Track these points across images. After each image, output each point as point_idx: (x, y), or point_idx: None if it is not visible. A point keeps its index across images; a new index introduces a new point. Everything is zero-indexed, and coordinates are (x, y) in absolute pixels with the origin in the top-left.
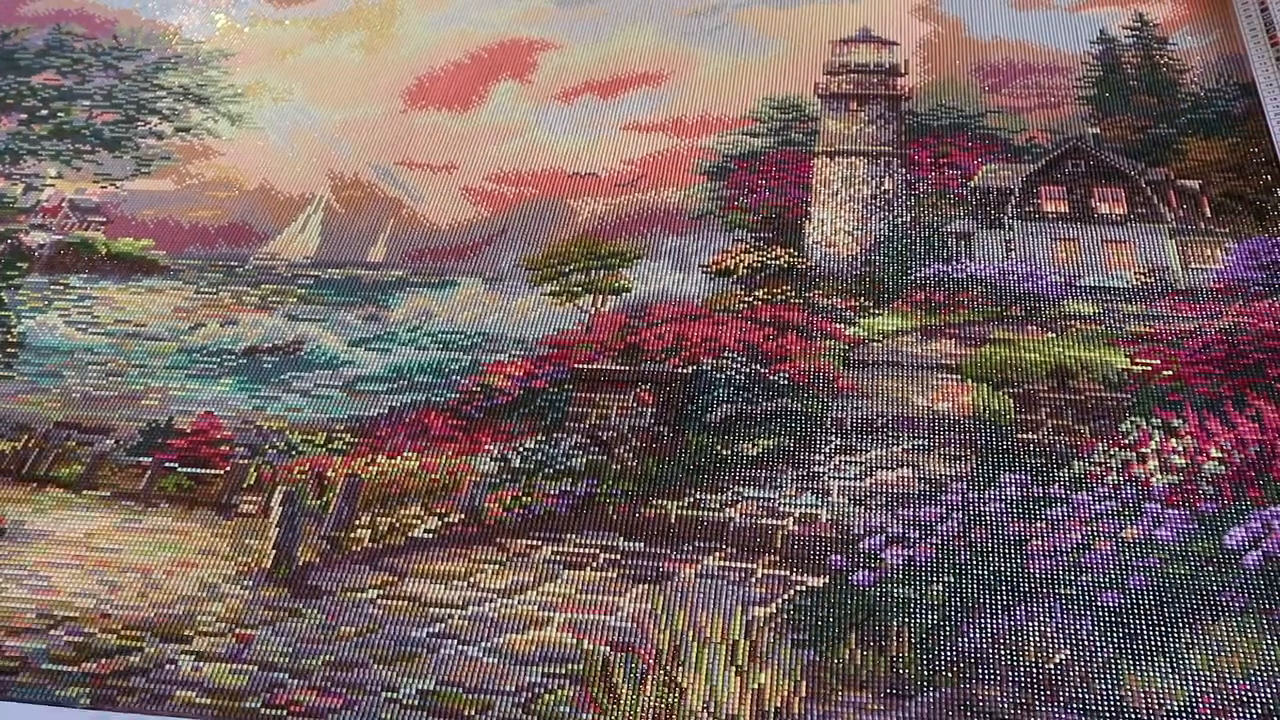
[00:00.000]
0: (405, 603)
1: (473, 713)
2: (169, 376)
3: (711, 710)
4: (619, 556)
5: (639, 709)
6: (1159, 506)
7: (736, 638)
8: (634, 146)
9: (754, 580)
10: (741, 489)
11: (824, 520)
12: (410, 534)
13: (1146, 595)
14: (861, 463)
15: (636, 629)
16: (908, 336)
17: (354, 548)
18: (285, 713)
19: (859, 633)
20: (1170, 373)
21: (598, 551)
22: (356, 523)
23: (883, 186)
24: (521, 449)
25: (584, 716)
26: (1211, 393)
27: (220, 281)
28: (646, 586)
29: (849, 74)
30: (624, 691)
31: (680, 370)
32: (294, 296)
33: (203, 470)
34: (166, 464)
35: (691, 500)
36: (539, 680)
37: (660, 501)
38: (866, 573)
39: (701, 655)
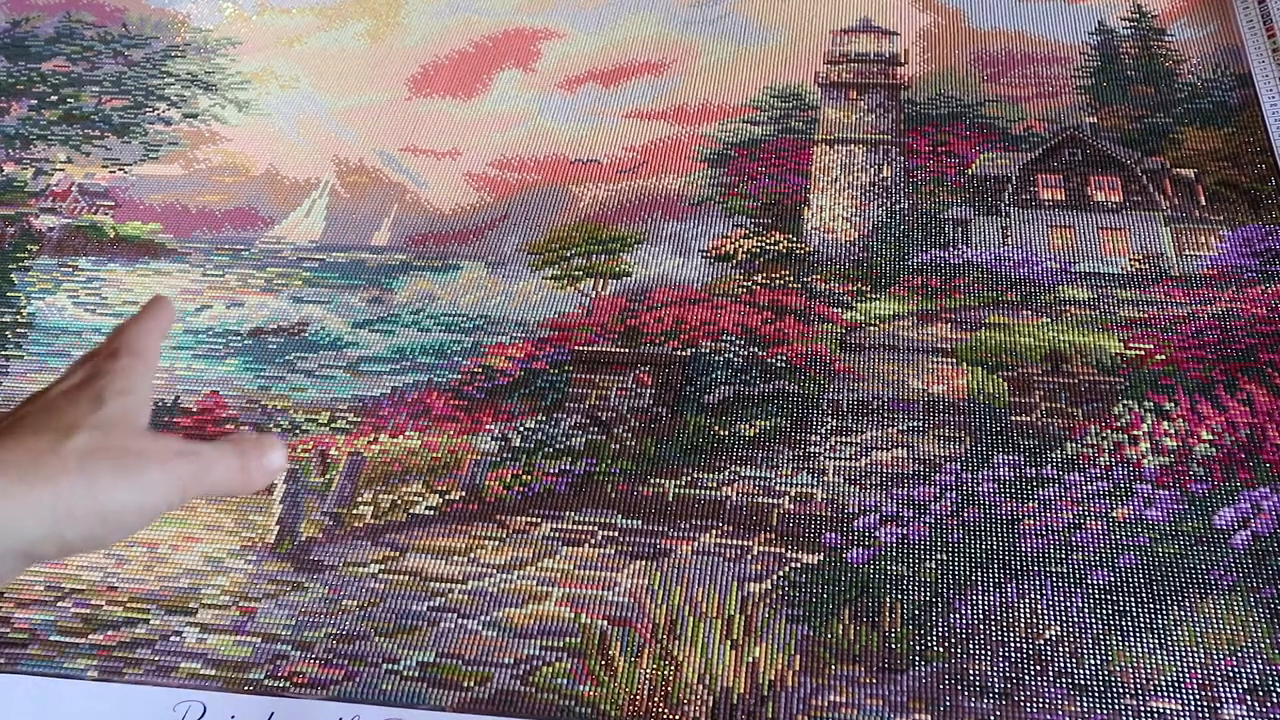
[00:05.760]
0: (406, 577)
1: (472, 684)
2: (176, 357)
3: (707, 684)
4: (617, 534)
5: (635, 682)
6: (1150, 487)
7: (732, 613)
8: (636, 134)
9: (750, 557)
10: (738, 468)
11: (819, 499)
12: (412, 511)
13: (1136, 573)
14: (857, 443)
15: (634, 604)
16: (904, 321)
17: (356, 524)
18: (288, 684)
19: (852, 608)
20: (1163, 357)
21: (596, 529)
22: (359, 499)
23: (881, 174)
24: (522, 428)
25: (581, 689)
26: (1203, 376)
27: (226, 265)
28: (644, 563)
29: (849, 63)
30: (621, 665)
31: (679, 353)
32: (299, 279)
33: None
34: None
35: (689, 479)
36: (537, 653)
37: (658, 480)
38: (861, 550)
39: (698, 630)
